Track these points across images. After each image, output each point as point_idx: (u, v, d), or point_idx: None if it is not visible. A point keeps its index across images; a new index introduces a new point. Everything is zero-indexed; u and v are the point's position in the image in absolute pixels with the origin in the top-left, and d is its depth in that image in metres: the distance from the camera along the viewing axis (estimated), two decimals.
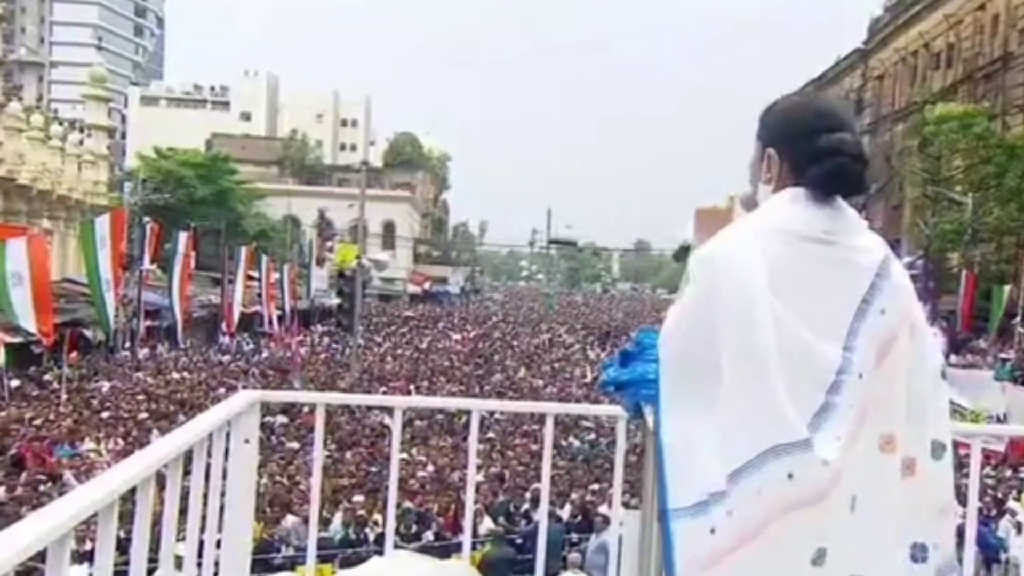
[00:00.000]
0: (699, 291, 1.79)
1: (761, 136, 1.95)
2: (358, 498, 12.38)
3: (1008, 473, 15.74)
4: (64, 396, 20.05)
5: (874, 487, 1.74)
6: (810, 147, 1.84)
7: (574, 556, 8.79)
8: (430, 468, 15.10)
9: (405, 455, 14.41)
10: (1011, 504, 12.24)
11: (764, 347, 1.70)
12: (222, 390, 20.49)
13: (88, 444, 15.80)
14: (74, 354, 22.20)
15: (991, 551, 10.30)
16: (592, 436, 18.74)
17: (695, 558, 1.72)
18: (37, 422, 17.45)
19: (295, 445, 16.22)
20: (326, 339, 38.79)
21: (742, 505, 1.67)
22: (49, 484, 12.61)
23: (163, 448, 2.05)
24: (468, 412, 3.44)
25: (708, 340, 1.75)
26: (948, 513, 1.87)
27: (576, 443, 18.32)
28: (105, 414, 18.65)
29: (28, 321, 20.83)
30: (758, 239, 1.77)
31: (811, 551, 1.67)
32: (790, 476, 1.66)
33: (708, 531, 1.70)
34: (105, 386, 22.57)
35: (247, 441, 2.76)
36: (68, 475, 12.93)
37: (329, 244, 56.99)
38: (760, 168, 1.95)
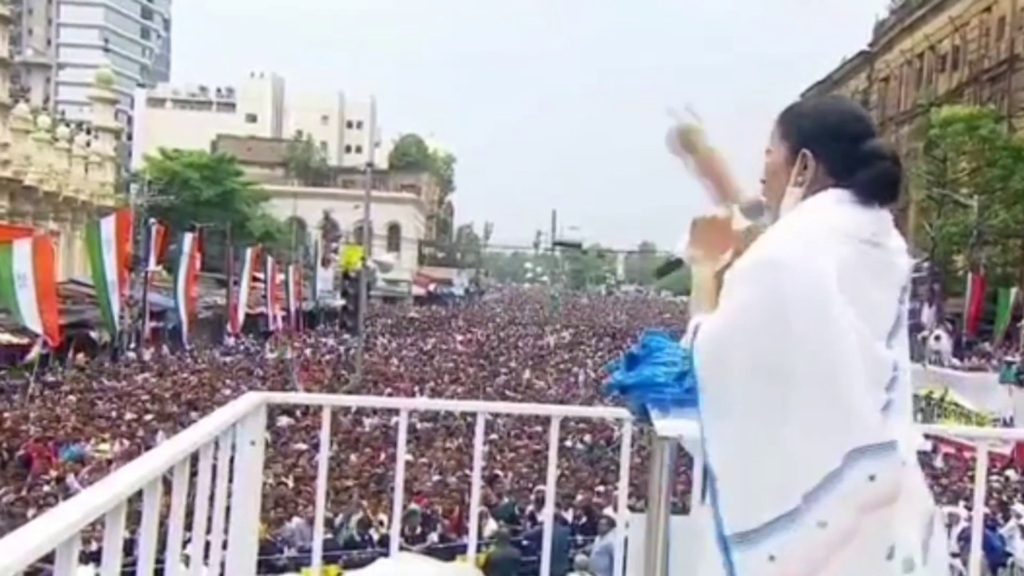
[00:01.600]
0: (762, 295, 1.70)
1: (790, 137, 1.89)
2: (363, 501, 12.39)
3: (1014, 476, 15.68)
4: (70, 397, 20.09)
5: (909, 480, 1.77)
6: (853, 151, 1.83)
7: (580, 558, 8.78)
8: (435, 470, 15.10)
9: (410, 456, 14.41)
10: (1017, 507, 12.20)
11: (843, 350, 1.68)
12: (227, 391, 20.53)
13: (94, 445, 15.82)
14: (81, 355, 22.23)
15: (997, 555, 10.27)
16: (588, 437, 18.73)
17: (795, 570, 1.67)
18: (43, 423, 17.50)
19: (300, 446, 16.23)
20: (330, 340, 38.81)
21: (833, 514, 1.66)
22: (54, 485, 12.63)
23: (169, 450, 2.06)
24: (472, 414, 3.45)
25: (778, 345, 1.68)
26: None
27: (579, 445, 18.27)
28: (111, 415, 18.68)
29: (33, 322, 20.91)
30: (824, 241, 1.74)
31: (885, 547, 1.70)
32: (872, 478, 1.67)
33: (793, 543, 1.66)
34: (117, 386, 22.60)
35: (253, 443, 2.77)
36: (71, 479, 12.95)
37: (334, 245, 57.02)
38: (788, 171, 1.88)
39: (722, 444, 1.74)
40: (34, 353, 21.10)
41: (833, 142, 1.84)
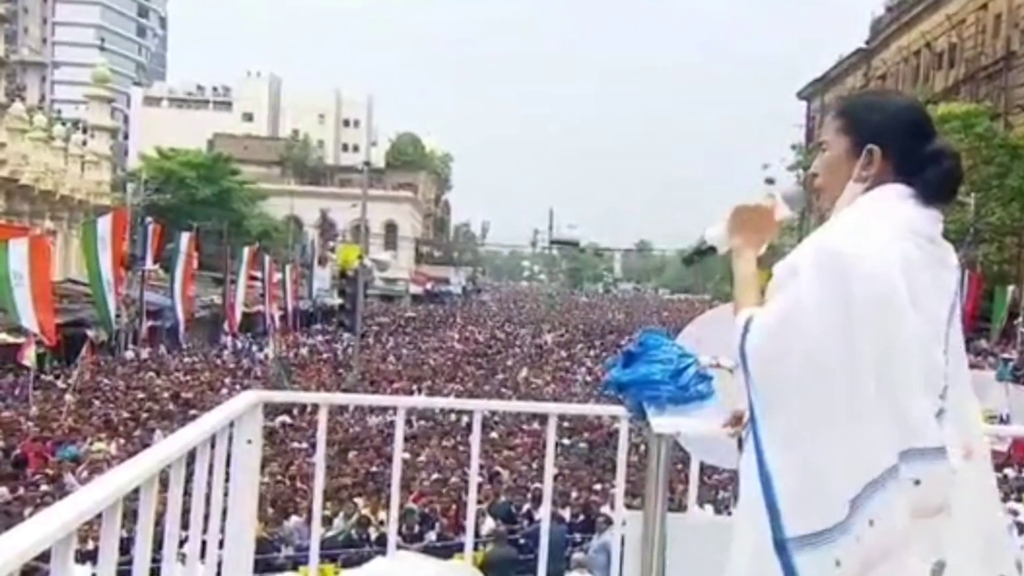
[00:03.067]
0: (827, 287, 1.64)
1: (853, 132, 1.83)
2: (359, 500, 12.38)
3: (1011, 473, 15.73)
4: (69, 396, 20.07)
5: (961, 495, 1.71)
6: (922, 148, 1.80)
7: (578, 556, 8.78)
8: (432, 468, 15.10)
9: (407, 455, 14.41)
10: (1012, 504, 12.22)
11: (906, 350, 1.65)
12: (224, 390, 20.51)
13: (90, 444, 15.80)
14: (84, 355, 22.17)
15: None
16: (586, 435, 18.72)
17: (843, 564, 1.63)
18: (41, 421, 17.48)
19: (296, 445, 16.22)
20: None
21: (884, 512, 1.62)
22: (51, 485, 12.61)
23: (166, 448, 2.06)
24: (469, 412, 3.44)
25: (841, 340, 1.63)
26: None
27: (581, 445, 18.23)
28: (107, 414, 18.67)
29: (29, 321, 20.89)
30: (891, 239, 1.70)
31: (931, 563, 1.64)
32: (917, 483, 1.62)
33: (855, 541, 1.61)
34: (120, 384, 22.57)
35: (250, 441, 2.77)
36: (69, 477, 12.93)
37: (331, 244, 57.01)
38: (849, 165, 1.82)
39: (780, 442, 1.66)
40: (31, 353, 21.05)
41: (904, 139, 1.80)
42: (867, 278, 1.63)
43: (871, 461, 1.61)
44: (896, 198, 1.77)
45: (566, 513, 12.40)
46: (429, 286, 71.70)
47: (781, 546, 1.63)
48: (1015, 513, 11.37)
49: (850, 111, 1.88)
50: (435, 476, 14.46)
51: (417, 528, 11.40)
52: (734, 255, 1.93)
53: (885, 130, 1.81)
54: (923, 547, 1.63)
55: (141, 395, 21.17)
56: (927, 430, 1.64)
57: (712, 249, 2.01)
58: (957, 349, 1.78)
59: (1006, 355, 25.79)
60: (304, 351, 34.96)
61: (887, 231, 1.70)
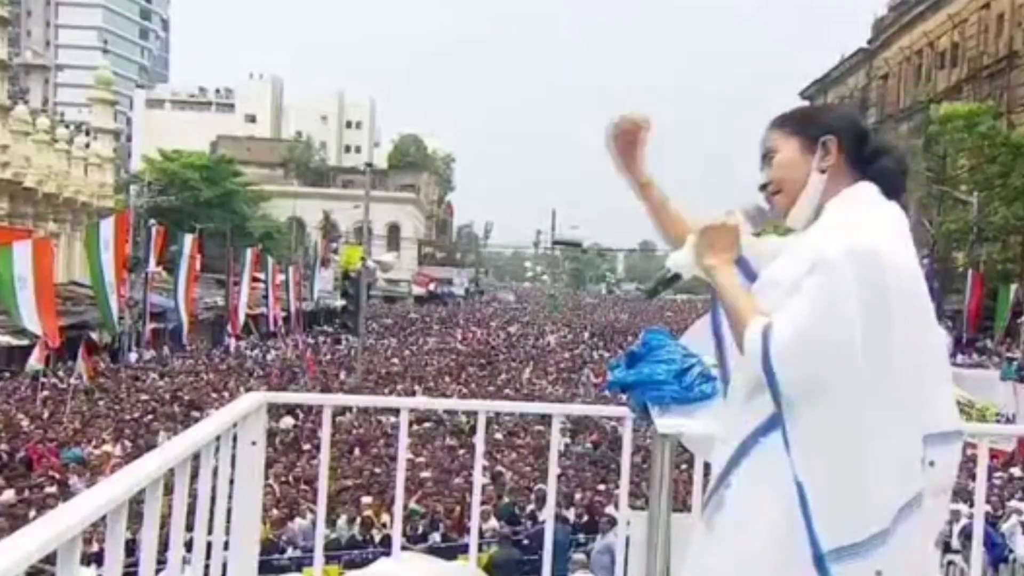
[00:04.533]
0: (861, 283, 1.64)
1: (803, 131, 1.91)
2: (366, 499, 12.39)
3: (1017, 472, 15.69)
4: (72, 399, 20.10)
5: None
6: (871, 142, 1.90)
7: (579, 557, 8.78)
8: (436, 469, 15.10)
9: (412, 455, 14.41)
10: (1016, 504, 12.20)
11: (933, 343, 1.76)
12: (227, 392, 20.52)
13: (95, 446, 15.83)
14: (81, 356, 22.15)
15: (998, 551, 10.27)
16: (592, 437, 18.68)
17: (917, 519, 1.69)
18: (45, 423, 17.51)
19: (301, 446, 16.22)
20: (329, 340, 38.85)
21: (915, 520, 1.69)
22: (55, 487, 12.63)
23: (171, 450, 2.06)
24: (473, 413, 3.44)
25: (877, 335, 1.63)
26: None
27: (587, 446, 18.19)
28: (111, 416, 18.69)
29: (33, 324, 20.94)
30: (901, 232, 1.79)
31: (936, 535, 1.77)
32: (932, 464, 1.71)
33: (902, 539, 1.65)
34: (118, 387, 22.59)
35: (254, 443, 2.77)
36: (74, 480, 12.95)
37: (334, 246, 57.03)
38: (806, 161, 1.88)
39: (815, 450, 1.64)
40: (39, 356, 21.12)
41: (854, 132, 1.90)
42: (897, 274, 1.69)
43: (918, 469, 1.68)
44: (878, 195, 1.84)
45: (570, 514, 12.40)
46: (432, 287, 71.69)
47: (818, 560, 1.62)
48: (1019, 512, 11.35)
49: (791, 117, 1.97)
50: (439, 477, 14.46)
51: (421, 529, 11.41)
52: (710, 273, 1.90)
53: (835, 125, 1.90)
54: (935, 525, 1.75)
55: (145, 397, 21.19)
56: (950, 414, 1.76)
57: (677, 276, 2.00)
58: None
59: (1010, 354, 25.75)
60: (308, 353, 34.97)
61: (898, 228, 1.79)
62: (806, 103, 60.27)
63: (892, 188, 1.86)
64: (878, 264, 1.66)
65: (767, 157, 1.95)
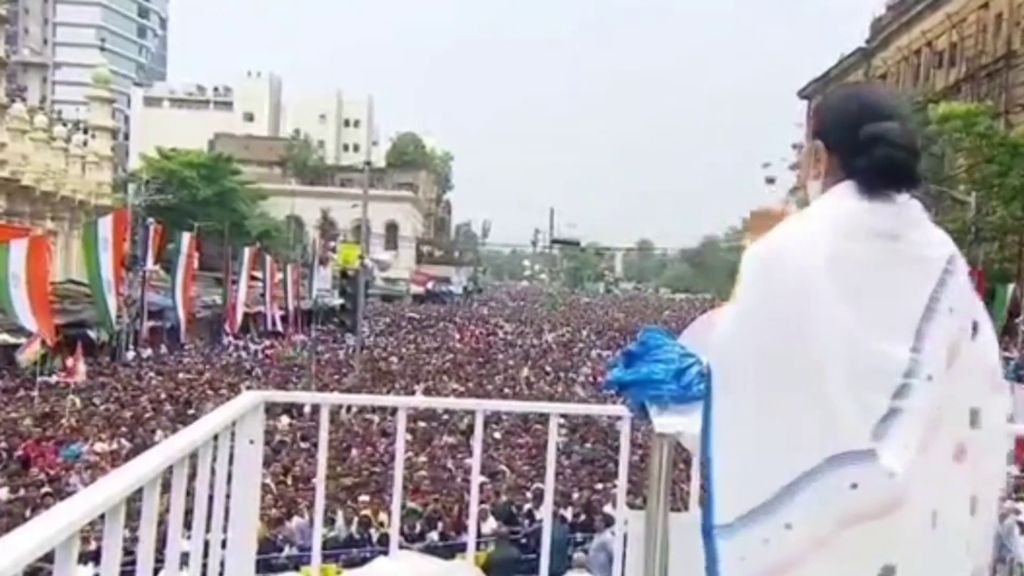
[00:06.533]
0: (756, 289, 1.67)
1: (812, 131, 1.85)
2: (363, 498, 12.39)
3: (1015, 471, 15.72)
4: (72, 397, 20.09)
5: (951, 501, 1.65)
6: (854, 138, 1.74)
7: (579, 556, 8.78)
8: (434, 468, 15.09)
9: (411, 453, 14.41)
10: (1012, 504, 12.21)
11: (821, 351, 1.59)
12: (224, 391, 20.51)
13: (99, 445, 15.81)
14: (73, 362, 22.10)
15: (995, 551, 10.28)
16: (581, 435, 18.67)
17: (747, 568, 1.61)
18: (43, 422, 17.49)
19: (299, 445, 16.21)
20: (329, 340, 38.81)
21: (803, 517, 1.58)
22: (52, 485, 12.62)
23: (168, 449, 2.06)
24: (471, 412, 3.44)
25: (762, 345, 1.63)
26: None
27: (586, 446, 18.16)
28: (109, 414, 18.67)
29: (28, 321, 20.95)
30: (819, 235, 1.66)
31: (877, 567, 1.59)
32: (854, 486, 1.56)
33: (761, 542, 1.60)
34: (116, 385, 22.58)
35: (252, 441, 2.77)
36: (75, 478, 12.93)
37: (332, 244, 56.99)
38: (808, 163, 1.85)
39: (720, 437, 1.68)
40: (35, 354, 21.11)
41: (839, 131, 1.78)
42: (786, 280, 1.63)
43: (794, 460, 1.58)
44: (840, 195, 1.73)
45: (568, 513, 12.40)
46: (430, 286, 71.71)
47: (708, 533, 1.65)
48: (1017, 512, 11.36)
49: (814, 111, 1.92)
50: (437, 476, 14.46)
51: (419, 528, 11.41)
52: None
53: (826, 125, 1.82)
54: (863, 552, 1.58)
55: (142, 396, 21.18)
56: (857, 433, 1.58)
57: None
58: (946, 343, 1.68)
59: (1008, 354, 25.77)
60: (305, 352, 34.95)
61: (815, 231, 1.67)
62: (804, 103, 60.51)
63: (875, 185, 1.71)
64: (765, 272, 1.65)
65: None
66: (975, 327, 1.75)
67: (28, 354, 21.31)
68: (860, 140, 1.73)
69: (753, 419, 1.64)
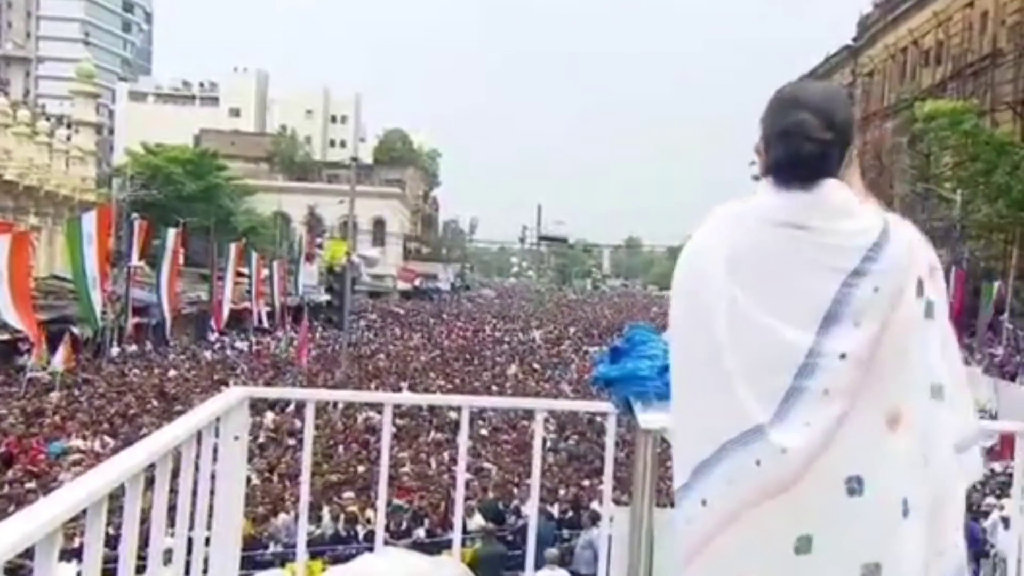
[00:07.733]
0: (674, 286, 1.81)
1: None
2: (349, 494, 12.37)
3: (998, 467, 15.82)
4: (55, 394, 19.98)
5: (882, 467, 1.68)
6: (770, 133, 1.80)
7: (550, 552, 8.73)
8: (420, 464, 15.09)
9: (397, 450, 14.39)
10: (991, 499, 12.33)
11: (720, 334, 1.69)
12: (209, 386, 20.42)
13: (77, 441, 15.73)
14: (61, 354, 21.99)
15: (979, 546, 10.36)
16: (575, 438, 18.71)
17: (679, 548, 1.74)
18: (26, 418, 17.38)
19: (284, 441, 16.17)
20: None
21: (714, 494, 1.68)
22: (35, 482, 12.53)
23: (152, 445, 2.04)
24: (457, 408, 3.43)
25: (679, 333, 1.79)
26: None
27: (571, 442, 18.21)
28: (94, 411, 18.57)
29: (10, 316, 20.86)
30: (726, 227, 1.76)
31: (792, 539, 1.65)
32: (758, 463, 1.65)
33: (685, 521, 1.72)
34: (100, 381, 22.45)
35: (236, 438, 2.76)
36: (64, 475, 12.84)
37: (319, 240, 56.88)
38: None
39: (671, 419, 1.86)
40: (41, 358, 21.11)
41: (762, 127, 1.83)
42: (687, 271, 1.78)
43: (700, 444, 1.71)
44: (761, 191, 1.80)
45: (554, 509, 12.42)
46: (417, 282, 71.59)
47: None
48: (1001, 508, 11.45)
49: None
50: (423, 472, 14.45)
51: (405, 525, 11.40)
52: None
53: (761, 124, 1.84)
54: (777, 522, 1.65)
55: (127, 391, 21.07)
56: (748, 413, 1.66)
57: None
58: (870, 322, 1.69)
59: (992, 351, 25.93)
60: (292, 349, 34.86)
61: (720, 223, 1.78)
62: None
63: (783, 177, 1.75)
64: (679, 263, 1.81)
65: None
66: (929, 307, 1.77)
67: (35, 359, 21.30)
68: (773, 135, 1.79)
69: (679, 401, 1.80)
